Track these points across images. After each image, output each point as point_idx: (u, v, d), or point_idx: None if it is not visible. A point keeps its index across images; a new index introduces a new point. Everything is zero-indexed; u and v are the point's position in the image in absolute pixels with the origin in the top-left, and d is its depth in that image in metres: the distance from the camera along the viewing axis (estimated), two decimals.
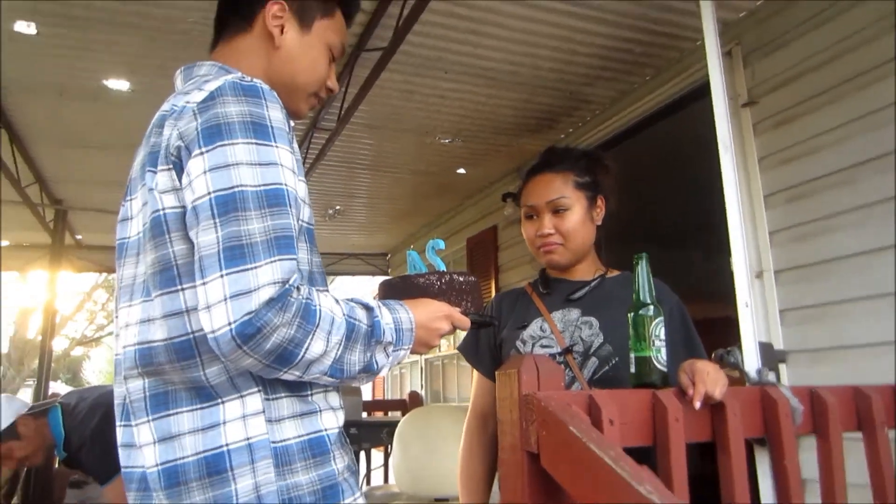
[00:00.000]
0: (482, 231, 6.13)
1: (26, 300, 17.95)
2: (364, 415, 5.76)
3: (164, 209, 1.07)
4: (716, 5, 2.62)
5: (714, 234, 2.89)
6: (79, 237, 7.34)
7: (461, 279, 1.30)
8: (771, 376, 1.55)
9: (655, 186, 5.32)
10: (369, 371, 1.11)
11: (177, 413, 1.07)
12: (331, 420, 1.15)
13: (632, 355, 1.43)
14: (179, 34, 3.28)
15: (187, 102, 1.09)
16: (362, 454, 5.20)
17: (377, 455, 5.87)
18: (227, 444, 1.05)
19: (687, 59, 3.67)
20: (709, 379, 1.35)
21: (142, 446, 1.09)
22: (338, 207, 6.64)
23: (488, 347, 1.85)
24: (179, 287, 1.06)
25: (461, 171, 5.58)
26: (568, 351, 1.66)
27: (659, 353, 1.41)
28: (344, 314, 1.06)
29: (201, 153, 1.03)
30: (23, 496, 5.37)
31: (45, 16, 3.13)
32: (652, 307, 1.44)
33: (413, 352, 1.20)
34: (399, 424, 4.13)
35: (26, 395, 5.45)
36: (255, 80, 1.11)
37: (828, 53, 2.85)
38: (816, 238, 2.84)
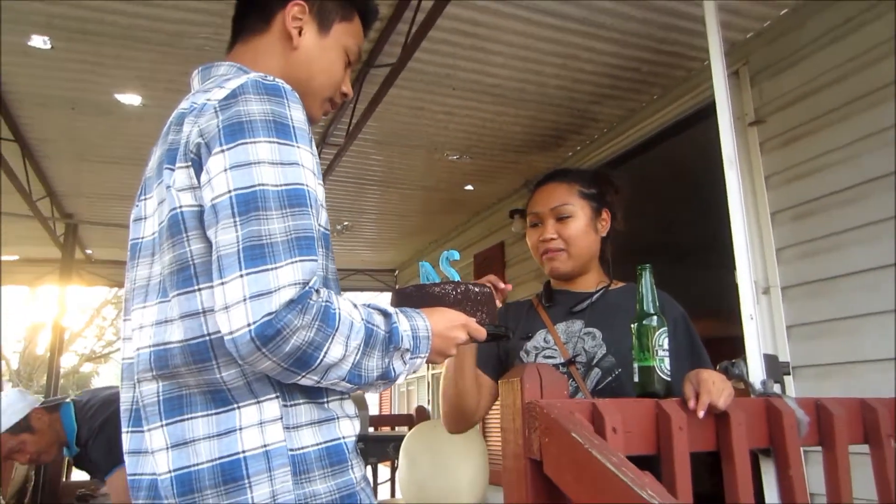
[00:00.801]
0: (490, 247, 6.14)
1: (36, 316, 18.04)
2: (370, 429, 5.75)
3: (181, 207, 1.05)
4: (723, 24, 2.63)
5: (721, 252, 2.88)
6: (89, 252, 7.38)
7: (476, 290, 1.29)
8: (776, 388, 1.55)
9: (663, 204, 5.33)
10: (387, 378, 1.09)
11: (191, 418, 1.04)
12: (348, 428, 1.13)
13: (635, 365, 1.44)
14: (191, 49, 3.33)
15: (208, 100, 1.08)
16: (369, 468, 5.19)
17: (383, 470, 5.85)
18: (243, 451, 1.02)
19: (695, 78, 3.69)
20: (714, 388, 1.35)
21: (154, 452, 1.06)
22: (346, 223, 6.67)
23: (494, 353, 1.84)
24: (196, 287, 1.04)
25: (469, 187, 5.60)
26: (571, 362, 1.67)
27: (662, 363, 1.41)
28: (362, 319, 1.04)
29: (222, 151, 1.01)
30: None
31: (59, 30, 3.18)
32: (655, 317, 1.44)
33: (429, 361, 1.18)
34: (406, 438, 4.12)
35: None
36: (277, 79, 1.09)
37: (834, 73, 2.87)
38: (823, 255, 2.84)
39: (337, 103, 1.36)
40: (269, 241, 0.97)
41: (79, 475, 6.77)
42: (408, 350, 1.11)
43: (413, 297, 1.28)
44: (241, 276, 0.95)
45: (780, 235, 3.05)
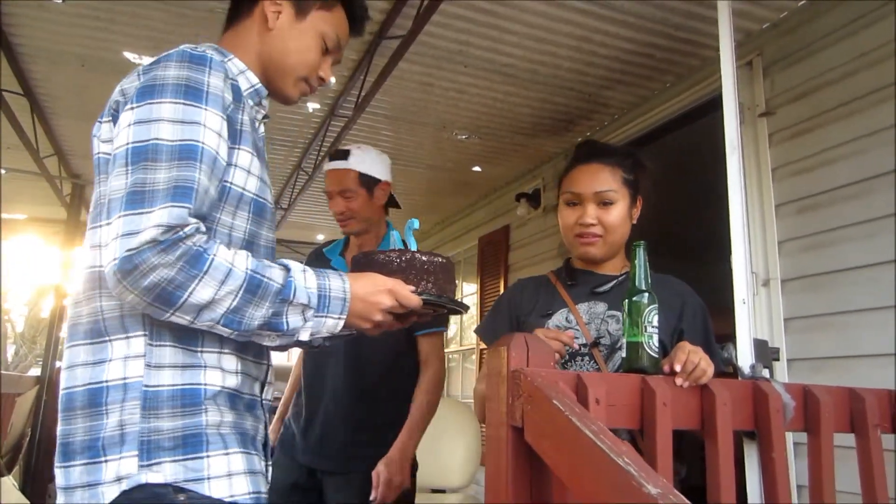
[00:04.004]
0: (494, 230, 6.12)
1: (43, 278, 18.13)
2: None
3: (99, 153, 1.23)
4: (739, 13, 2.60)
5: (728, 245, 2.86)
6: None
7: (424, 258, 1.31)
8: (764, 372, 1.55)
9: (670, 194, 5.29)
10: (276, 329, 1.15)
11: (77, 345, 1.18)
12: (214, 378, 1.19)
13: (624, 340, 1.44)
14: (203, 11, 3.30)
15: (140, 66, 1.22)
16: None
17: None
18: (107, 381, 1.13)
19: (708, 67, 3.65)
20: (692, 352, 1.37)
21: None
22: None
23: (507, 328, 1.84)
24: (100, 224, 1.17)
25: (476, 168, 5.57)
26: (595, 344, 1.65)
27: (651, 340, 1.41)
28: (247, 268, 1.12)
29: (132, 108, 1.14)
30: (24, 466, 5.41)
31: None
32: (647, 294, 1.44)
33: (350, 324, 1.24)
34: None
35: (36, 373, 5.58)
36: (206, 51, 1.21)
37: (847, 68, 2.84)
38: (825, 249, 2.83)
39: (314, 87, 1.46)
40: (151, 188, 1.08)
41: None
42: (307, 306, 1.17)
43: (360, 263, 1.33)
44: (120, 217, 1.06)
45: (783, 228, 3.03)
